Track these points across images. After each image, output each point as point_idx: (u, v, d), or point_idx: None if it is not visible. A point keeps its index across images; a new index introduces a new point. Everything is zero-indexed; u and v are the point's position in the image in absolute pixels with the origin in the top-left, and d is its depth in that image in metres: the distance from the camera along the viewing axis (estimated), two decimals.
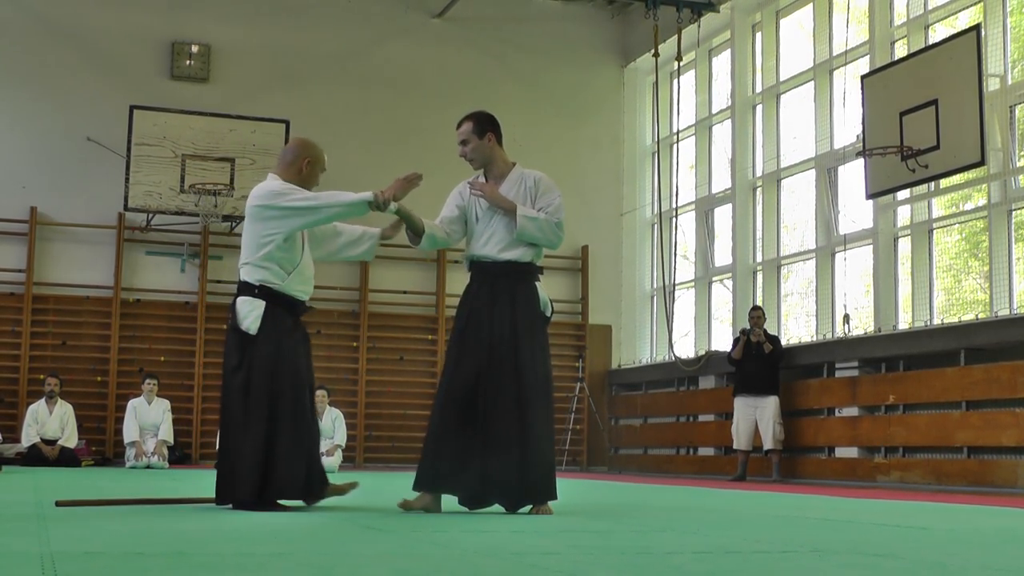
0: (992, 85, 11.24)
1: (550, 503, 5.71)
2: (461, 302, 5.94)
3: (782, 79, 14.95)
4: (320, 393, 13.69)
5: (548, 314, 5.91)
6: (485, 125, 5.93)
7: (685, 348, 16.17)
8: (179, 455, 14.54)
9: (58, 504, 5.63)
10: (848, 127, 13.16)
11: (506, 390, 5.64)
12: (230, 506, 5.73)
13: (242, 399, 5.74)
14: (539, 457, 5.65)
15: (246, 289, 5.86)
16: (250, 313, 5.79)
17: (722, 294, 16.06)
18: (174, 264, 15.43)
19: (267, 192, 5.84)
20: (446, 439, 5.64)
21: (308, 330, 6.15)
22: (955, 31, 11.59)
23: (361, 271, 15.85)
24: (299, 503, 5.82)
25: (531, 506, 5.67)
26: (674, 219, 16.16)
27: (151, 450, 13.73)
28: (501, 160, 5.95)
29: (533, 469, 5.62)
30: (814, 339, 13.37)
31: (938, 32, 12.51)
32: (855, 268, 13.38)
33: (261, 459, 5.66)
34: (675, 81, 15.92)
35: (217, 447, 6.14)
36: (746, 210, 15.14)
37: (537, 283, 5.90)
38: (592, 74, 17.49)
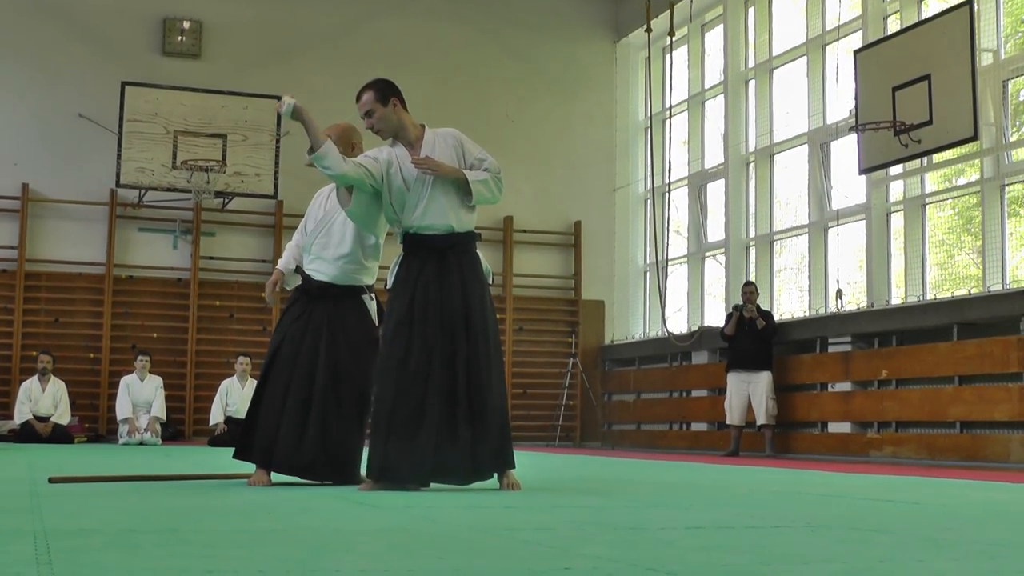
0: (985, 60, 11.24)
1: (515, 473, 5.56)
2: (400, 276, 5.59)
3: (775, 54, 14.91)
4: None
5: (490, 281, 5.78)
6: (387, 91, 5.58)
7: (678, 323, 16.19)
8: (172, 432, 14.55)
9: (51, 481, 5.63)
10: (841, 102, 13.15)
11: (466, 362, 5.45)
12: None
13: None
14: (499, 425, 5.52)
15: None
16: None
17: (715, 269, 16.06)
18: (166, 241, 15.40)
19: None
20: (405, 418, 5.40)
21: None
22: (948, 6, 11.55)
23: None
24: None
25: (498, 477, 5.54)
26: (667, 195, 16.16)
27: (144, 427, 13.74)
28: (410, 125, 5.63)
29: (496, 437, 5.46)
30: (807, 314, 13.39)
31: (931, 7, 12.48)
32: (848, 243, 13.39)
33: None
34: (667, 56, 15.88)
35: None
36: (739, 186, 15.13)
37: (478, 251, 5.73)
38: (584, 49, 17.44)
